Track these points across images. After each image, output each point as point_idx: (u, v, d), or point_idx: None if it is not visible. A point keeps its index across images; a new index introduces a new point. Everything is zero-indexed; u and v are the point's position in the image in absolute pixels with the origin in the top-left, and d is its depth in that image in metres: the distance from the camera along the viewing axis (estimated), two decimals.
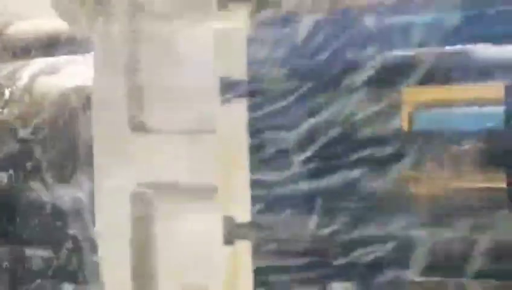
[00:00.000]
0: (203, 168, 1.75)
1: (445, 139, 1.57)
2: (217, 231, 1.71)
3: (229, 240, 1.70)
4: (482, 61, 1.53)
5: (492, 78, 1.53)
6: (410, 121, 1.59)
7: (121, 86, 1.87)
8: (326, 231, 1.60)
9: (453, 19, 1.55)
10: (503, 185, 1.53)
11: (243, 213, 1.69)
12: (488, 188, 1.56)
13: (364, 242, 1.56)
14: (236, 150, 1.69)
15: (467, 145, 1.55)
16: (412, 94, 1.59)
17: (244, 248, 1.69)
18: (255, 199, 1.67)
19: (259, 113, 1.67)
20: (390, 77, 1.58)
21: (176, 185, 1.80)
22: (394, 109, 1.59)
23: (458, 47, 1.55)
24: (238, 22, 1.69)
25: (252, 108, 1.67)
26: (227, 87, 1.70)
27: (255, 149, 1.68)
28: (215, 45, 1.71)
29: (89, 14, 1.86)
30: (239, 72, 1.69)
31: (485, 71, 1.53)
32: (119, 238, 1.89)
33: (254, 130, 1.68)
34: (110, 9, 1.86)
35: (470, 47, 1.54)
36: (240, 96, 1.69)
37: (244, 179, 1.69)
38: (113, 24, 1.87)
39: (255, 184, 1.67)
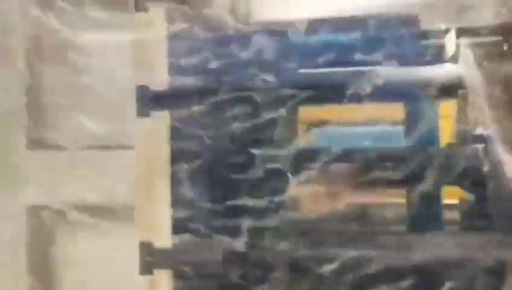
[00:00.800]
0: (117, 187, 1.57)
1: (346, 157, 1.58)
2: (133, 259, 1.54)
3: (146, 269, 1.53)
4: (384, 82, 1.56)
5: (393, 99, 1.56)
6: (308, 139, 1.59)
7: (18, 98, 1.66)
8: None
9: (355, 39, 1.57)
10: (403, 200, 1.56)
11: (163, 238, 1.53)
12: (389, 204, 1.59)
13: None
14: (156, 167, 1.53)
15: (366, 163, 1.56)
16: (308, 113, 1.59)
17: (163, 278, 1.53)
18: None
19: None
20: (290, 95, 1.57)
21: (83, 205, 1.61)
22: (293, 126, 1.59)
23: (360, 68, 1.57)
24: (156, 28, 1.53)
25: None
26: (146, 98, 1.53)
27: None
28: (131, 52, 1.54)
29: None
30: (159, 81, 1.52)
31: (385, 92, 1.56)
32: (15, 266, 1.67)
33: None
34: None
35: (371, 68, 1.56)
36: (161, 108, 1.53)
37: (165, 199, 1.52)
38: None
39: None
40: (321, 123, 1.62)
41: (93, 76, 1.63)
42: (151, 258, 1.53)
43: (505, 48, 1.55)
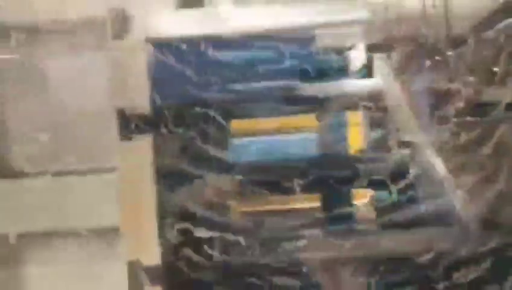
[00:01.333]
0: (100, 211, 1.60)
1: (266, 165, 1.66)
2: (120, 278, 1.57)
3: (136, 288, 1.58)
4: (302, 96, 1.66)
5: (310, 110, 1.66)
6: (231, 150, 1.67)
7: None
8: None
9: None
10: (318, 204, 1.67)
11: (152, 256, 1.58)
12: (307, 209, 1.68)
13: None
14: (142, 189, 1.57)
15: (286, 169, 1.65)
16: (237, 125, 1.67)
17: None
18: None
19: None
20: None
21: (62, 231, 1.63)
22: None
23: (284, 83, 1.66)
24: (136, 51, 1.57)
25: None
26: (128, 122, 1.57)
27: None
28: (111, 75, 1.57)
29: None
30: (141, 105, 1.57)
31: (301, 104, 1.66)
32: None
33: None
34: None
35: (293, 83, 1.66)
36: (143, 132, 1.57)
37: (151, 220, 1.57)
38: None
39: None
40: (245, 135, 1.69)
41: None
42: (140, 277, 1.57)
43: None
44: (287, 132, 1.70)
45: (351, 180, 1.66)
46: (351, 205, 1.67)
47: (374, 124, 1.71)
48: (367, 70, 1.70)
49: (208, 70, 1.64)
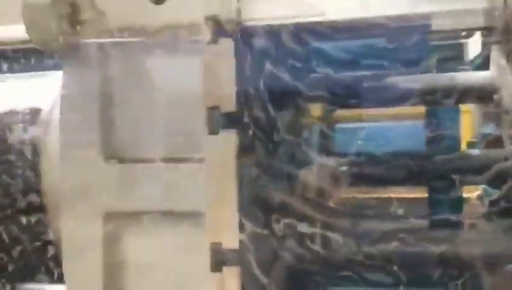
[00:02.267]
0: (190, 196, 1.78)
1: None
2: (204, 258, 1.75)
3: (217, 267, 1.75)
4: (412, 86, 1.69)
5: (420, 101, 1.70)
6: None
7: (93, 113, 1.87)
8: None
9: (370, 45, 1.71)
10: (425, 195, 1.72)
11: (231, 240, 1.75)
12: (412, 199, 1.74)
13: None
14: (225, 179, 1.74)
15: (393, 159, 1.70)
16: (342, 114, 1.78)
17: (232, 274, 1.75)
18: None
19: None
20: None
21: (159, 211, 1.82)
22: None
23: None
24: (226, 54, 1.74)
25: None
26: (216, 118, 1.75)
27: None
28: (203, 75, 1.75)
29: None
30: (228, 103, 1.74)
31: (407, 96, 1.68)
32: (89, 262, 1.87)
33: None
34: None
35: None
36: (229, 127, 1.74)
37: (232, 207, 1.74)
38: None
39: None
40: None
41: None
42: (220, 257, 1.75)
43: None
44: (394, 121, 1.76)
45: (461, 174, 1.68)
46: (460, 198, 1.72)
47: (487, 118, 1.75)
48: (482, 62, 1.72)
49: (313, 60, 1.74)
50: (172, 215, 1.81)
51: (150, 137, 1.83)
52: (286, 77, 1.76)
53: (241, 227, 1.74)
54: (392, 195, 1.76)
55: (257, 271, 1.74)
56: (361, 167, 1.73)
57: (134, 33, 1.83)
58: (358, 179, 1.73)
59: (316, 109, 1.81)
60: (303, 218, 1.75)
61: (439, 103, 1.69)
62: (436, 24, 1.63)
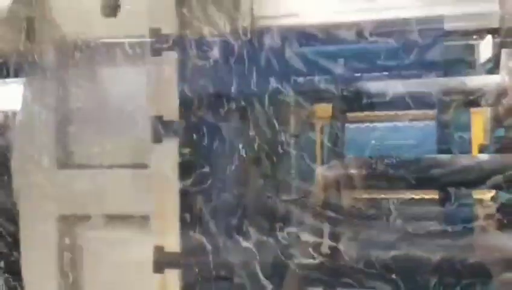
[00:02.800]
0: (136, 200, 1.86)
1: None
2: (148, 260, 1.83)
3: (159, 269, 1.83)
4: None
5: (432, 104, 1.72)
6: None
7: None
8: None
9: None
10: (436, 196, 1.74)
11: (173, 244, 1.82)
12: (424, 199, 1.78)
13: None
14: (168, 185, 1.82)
15: (404, 160, 1.70)
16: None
17: (173, 276, 1.82)
18: None
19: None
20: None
21: (107, 214, 1.91)
22: None
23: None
24: (168, 65, 1.83)
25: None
26: (159, 126, 1.83)
27: None
28: (147, 86, 1.84)
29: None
30: (170, 112, 1.82)
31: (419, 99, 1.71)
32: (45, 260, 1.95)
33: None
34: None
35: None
36: (172, 134, 1.82)
37: (174, 212, 1.82)
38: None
39: None
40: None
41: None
42: (162, 260, 1.83)
43: None
44: (404, 122, 1.79)
45: (472, 177, 1.66)
46: (471, 201, 1.71)
47: (498, 121, 1.69)
48: (493, 65, 1.70)
49: (328, 60, 1.78)
50: (121, 219, 1.90)
51: (100, 145, 1.92)
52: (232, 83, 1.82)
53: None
54: (403, 197, 1.79)
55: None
56: (371, 168, 1.74)
57: (87, 45, 1.92)
58: (369, 181, 1.74)
59: (325, 110, 1.84)
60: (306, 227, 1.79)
61: (450, 106, 1.71)
62: (449, 26, 1.66)
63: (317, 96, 1.81)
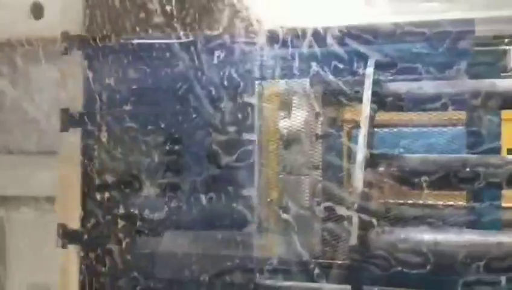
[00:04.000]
0: (46, 184, 2.10)
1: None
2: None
3: (63, 244, 2.06)
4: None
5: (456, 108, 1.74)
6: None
7: None
8: None
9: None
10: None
11: (75, 221, 2.05)
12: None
13: None
14: (72, 170, 2.06)
15: (432, 163, 1.71)
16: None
17: (75, 250, 2.05)
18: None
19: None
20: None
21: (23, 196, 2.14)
22: None
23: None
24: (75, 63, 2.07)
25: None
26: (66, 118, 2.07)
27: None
28: (59, 81, 2.08)
29: None
30: (76, 105, 2.06)
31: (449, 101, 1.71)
32: None
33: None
34: None
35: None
36: (76, 126, 2.06)
37: (76, 193, 2.05)
38: None
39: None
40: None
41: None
42: (65, 236, 2.06)
43: None
44: (434, 126, 1.80)
45: (502, 180, 1.65)
46: (498, 204, 1.72)
47: None
48: None
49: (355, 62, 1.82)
50: (35, 200, 2.13)
51: (20, 134, 2.16)
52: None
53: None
54: (431, 200, 1.79)
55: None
56: (401, 170, 1.74)
57: (12, 44, 2.17)
58: (398, 183, 1.75)
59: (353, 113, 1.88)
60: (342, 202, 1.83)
61: (480, 109, 1.72)
62: (480, 30, 1.67)
63: (346, 97, 1.85)
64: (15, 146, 2.14)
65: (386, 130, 1.85)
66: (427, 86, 1.73)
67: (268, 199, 1.92)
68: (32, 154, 2.12)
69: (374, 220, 1.66)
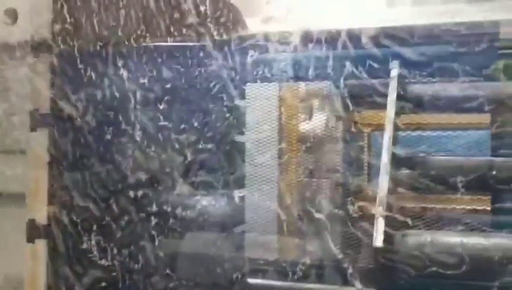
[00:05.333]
0: (16, 181, 2.20)
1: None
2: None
3: (31, 239, 2.16)
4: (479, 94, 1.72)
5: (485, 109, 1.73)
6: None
7: None
8: None
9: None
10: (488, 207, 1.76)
11: (42, 217, 2.16)
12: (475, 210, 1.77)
13: None
14: (40, 168, 2.16)
15: (455, 167, 1.74)
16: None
17: (41, 245, 2.16)
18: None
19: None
20: None
21: None
22: None
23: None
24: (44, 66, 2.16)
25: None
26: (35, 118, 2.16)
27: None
28: (29, 83, 2.18)
29: None
30: (44, 106, 2.16)
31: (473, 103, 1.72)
32: None
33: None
34: None
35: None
36: (45, 126, 2.16)
37: (44, 190, 2.15)
38: None
39: None
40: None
41: None
42: (33, 231, 2.16)
43: None
44: (458, 129, 1.78)
45: None
46: None
47: None
48: None
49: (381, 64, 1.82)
50: (4, 197, 2.24)
51: None
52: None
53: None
54: (455, 204, 1.78)
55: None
56: (426, 173, 1.76)
57: None
58: (423, 185, 1.77)
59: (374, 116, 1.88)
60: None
61: (505, 112, 1.72)
62: (504, 32, 1.67)
63: (369, 100, 1.85)
64: None
65: (409, 132, 1.84)
66: (452, 88, 1.74)
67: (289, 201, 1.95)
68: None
69: (400, 222, 1.69)
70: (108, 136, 2.11)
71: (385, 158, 1.72)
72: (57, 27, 2.14)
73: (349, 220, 1.84)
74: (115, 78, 2.08)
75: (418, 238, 1.71)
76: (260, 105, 1.97)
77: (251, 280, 1.94)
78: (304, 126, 1.93)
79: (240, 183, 1.96)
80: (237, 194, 1.95)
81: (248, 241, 1.95)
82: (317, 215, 1.84)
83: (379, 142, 1.78)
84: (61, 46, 2.12)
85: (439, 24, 1.74)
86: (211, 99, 2.00)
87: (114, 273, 2.08)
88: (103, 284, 2.12)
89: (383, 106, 1.78)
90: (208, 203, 1.98)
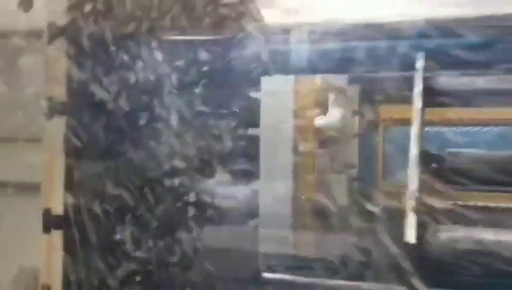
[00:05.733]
0: (32, 170, 2.15)
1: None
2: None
3: (46, 229, 2.12)
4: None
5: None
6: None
7: None
8: None
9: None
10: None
11: (58, 207, 2.12)
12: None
13: None
14: (56, 156, 2.12)
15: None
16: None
17: (57, 235, 2.12)
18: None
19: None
20: None
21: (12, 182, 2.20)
22: None
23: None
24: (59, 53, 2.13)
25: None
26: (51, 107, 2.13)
27: None
28: (44, 71, 2.14)
29: None
30: (60, 94, 2.12)
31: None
32: None
33: None
34: None
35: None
36: (61, 114, 2.12)
37: (60, 180, 2.12)
38: None
39: None
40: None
41: None
42: (49, 221, 2.12)
43: None
44: (489, 124, 1.79)
45: None
46: None
47: None
48: None
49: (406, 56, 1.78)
50: (16, 185, 2.20)
51: (9, 121, 2.21)
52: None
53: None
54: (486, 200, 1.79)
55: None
56: (454, 168, 1.80)
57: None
58: (451, 180, 1.78)
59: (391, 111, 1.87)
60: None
61: None
62: None
63: (386, 95, 1.86)
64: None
65: (436, 127, 1.84)
66: (478, 82, 1.73)
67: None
68: (16, 141, 2.18)
69: (431, 219, 1.69)
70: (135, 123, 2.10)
71: (414, 153, 1.71)
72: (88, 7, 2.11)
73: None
74: (147, 62, 2.06)
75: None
76: None
77: None
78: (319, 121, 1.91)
79: None
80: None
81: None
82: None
83: (397, 137, 1.79)
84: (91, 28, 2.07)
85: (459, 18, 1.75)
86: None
87: (138, 264, 2.07)
88: (121, 274, 2.11)
89: (405, 100, 1.78)
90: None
